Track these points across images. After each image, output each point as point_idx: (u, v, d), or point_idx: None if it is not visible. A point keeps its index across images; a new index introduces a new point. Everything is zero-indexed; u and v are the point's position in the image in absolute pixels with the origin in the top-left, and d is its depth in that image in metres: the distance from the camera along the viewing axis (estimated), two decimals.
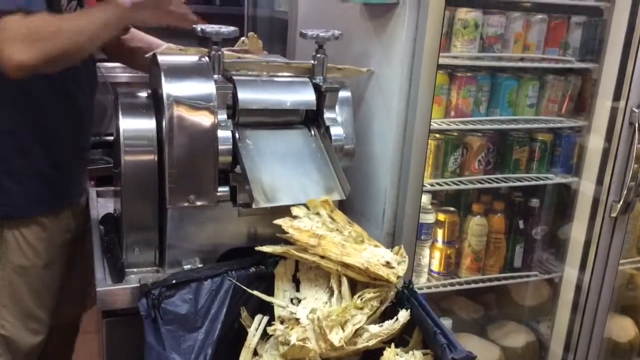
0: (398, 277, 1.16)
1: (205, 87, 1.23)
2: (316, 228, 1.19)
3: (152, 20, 1.35)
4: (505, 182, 1.75)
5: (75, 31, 1.23)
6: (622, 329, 2.07)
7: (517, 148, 1.77)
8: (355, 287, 1.18)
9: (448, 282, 1.76)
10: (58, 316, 1.63)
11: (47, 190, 1.46)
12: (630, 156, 1.63)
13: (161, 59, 1.26)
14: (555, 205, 1.90)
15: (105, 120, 2.51)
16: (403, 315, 1.13)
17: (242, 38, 1.50)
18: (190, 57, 1.31)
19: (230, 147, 1.25)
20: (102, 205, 1.62)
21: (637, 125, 1.61)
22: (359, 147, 1.46)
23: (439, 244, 1.76)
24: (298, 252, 1.17)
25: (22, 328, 1.51)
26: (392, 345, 1.10)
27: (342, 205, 1.32)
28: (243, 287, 1.19)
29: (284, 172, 1.28)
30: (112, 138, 1.39)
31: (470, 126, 1.66)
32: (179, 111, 1.20)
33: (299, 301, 1.18)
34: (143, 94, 1.31)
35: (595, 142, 1.74)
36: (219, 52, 1.28)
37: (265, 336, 1.18)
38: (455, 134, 1.68)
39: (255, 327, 1.18)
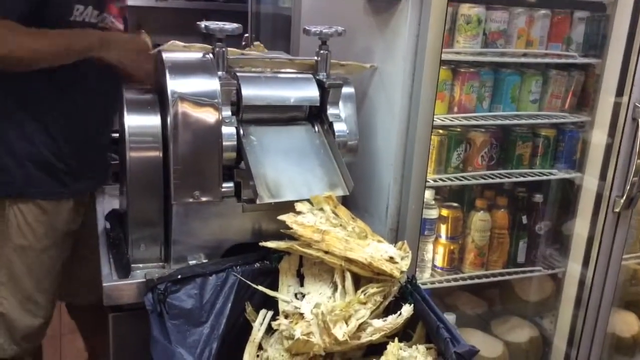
0: (401, 272, 1.16)
1: (210, 84, 1.24)
2: (320, 223, 1.20)
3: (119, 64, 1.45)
4: (509, 177, 1.76)
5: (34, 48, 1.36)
6: (625, 324, 2.07)
7: (520, 143, 1.77)
8: (358, 282, 1.18)
9: (451, 277, 1.77)
10: (76, 306, 1.71)
11: (47, 177, 1.51)
12: (633, 151, 1.63)
13: (166, 56, 1.27)
14: (559, 200, 1.91)
15: None
16: (406, 309, 1.13)
17: (256, 42, 1.51)
18: (194, 54, 1.31)
19: (235, 143, 1.25)
20: (107, 201, 1.63)
21: None
22: (362, 142, 1.46)
23: (443, 239, 1.76)
24: (302, 248, 1.18)
25: (20, 308, 1.56)
26: (396, 339, 1.11)
27: (345, 201, 1.33)
28: (248, 282, 1.20)
29: (287, 168, 1.29)
30: (117, 135, 1.40)
31: (473, 122, 1.67)
32: (184, 108, 1.20)
33: (303, 296, 1.19)
34: (148, 91, 1.32)
35: (598, 138, 1.74)
36: (223, 49, 1.29)
37: (270, 331, 1.19)
38: (459, 129, 1.68)
39: (260, 322, 1.19)
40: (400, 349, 1.10)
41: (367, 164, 1.54)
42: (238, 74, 1.32)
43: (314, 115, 1.40)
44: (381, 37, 1.47)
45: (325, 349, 1.08)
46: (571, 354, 1.87)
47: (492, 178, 1.73)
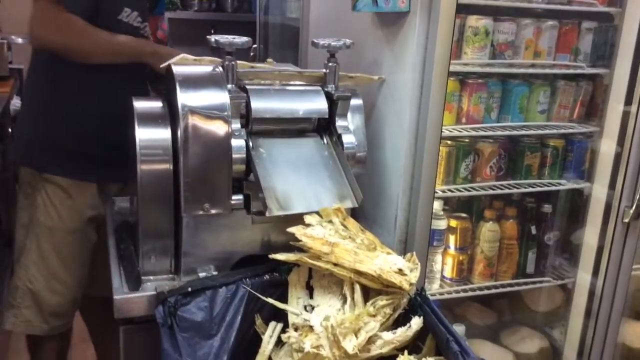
0: (411, 284, 1.16)
1: (220, 97, 1.25)
2: (329, 236, 1.20)
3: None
4: (517, 188, 1.76)
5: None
6: (636, 334, 2.06)
7: (528, 154, 1.77)
8: (368, 294, 1.18)
9: (461, 288, 1.76)
10: (89, 302, 1.82)
11: (66, 159, 1.65)
12: None
13: (176, 69, 1.28)
14: (568, 210, 1.90)
15: None
16: (416, 322, 1.13)
17: (269, 60, 1.53)
18: (204, 68, 1.33)
19: (244, 155, 1.26)
20: (117, 213, 1.64)
21: None
22: (371, 154, 1.47)
23: (452, 250, 1.76)
24: (311, 260, 1.18)
25: (47, 287, 1.67)
26: (405, 352, 1.11)
27: (354, 213, 1.33)
28: (257, 294, 1.21)
29: (296, 180, 1.30)
30: None
31: (482, 132, 1.67)
32: (194, 121, 1.21)
33: (313, 308, 1.19)
34: (158, 104, 1.33)
35: (607, 147, 1.73)
36: (233, 62, 1.30)
37: (279, 343, 1.19)
38: (467, 140, 1.69)
39: (269, 334, 1.19)
40: None
41: (375, 175, 1.54)
42: (247, 86, 1.33)
43: (323, 127, 1.41)
44: (389, 49, 1.48)
45: None
46: None
47: (501, 189, 1.73)
